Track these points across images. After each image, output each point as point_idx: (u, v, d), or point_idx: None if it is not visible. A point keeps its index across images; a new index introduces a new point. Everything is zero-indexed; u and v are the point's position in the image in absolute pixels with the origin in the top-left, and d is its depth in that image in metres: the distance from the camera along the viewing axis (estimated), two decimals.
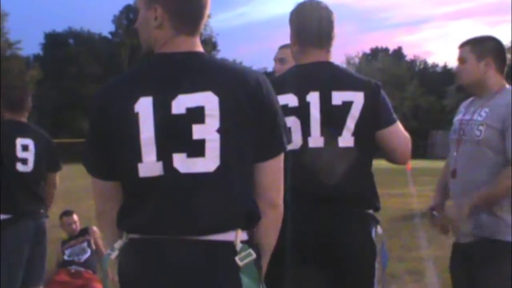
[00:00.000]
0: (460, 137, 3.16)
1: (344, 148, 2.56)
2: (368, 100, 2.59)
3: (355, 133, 2.55)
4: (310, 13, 2.69)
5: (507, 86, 3.13)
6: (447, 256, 3.34)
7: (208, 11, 1.96)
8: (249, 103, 1.84)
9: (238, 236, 1.84)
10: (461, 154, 3.15)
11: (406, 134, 2.74)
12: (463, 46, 3.18)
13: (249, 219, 1.89)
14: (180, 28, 1.90)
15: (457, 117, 3.26)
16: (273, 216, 1.96)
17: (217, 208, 1.83)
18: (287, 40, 3.26)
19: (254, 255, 1.85)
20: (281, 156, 1.93)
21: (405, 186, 16.28)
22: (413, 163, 21.59)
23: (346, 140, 2.55)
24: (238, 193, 1.85)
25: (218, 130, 1.80)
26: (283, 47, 3.53)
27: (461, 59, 3.17)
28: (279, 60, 3.70)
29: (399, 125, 2.70)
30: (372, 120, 2.61)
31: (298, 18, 2.72)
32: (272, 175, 1.93)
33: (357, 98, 2.58)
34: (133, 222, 1.89)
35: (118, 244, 1.95)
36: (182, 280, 1.81)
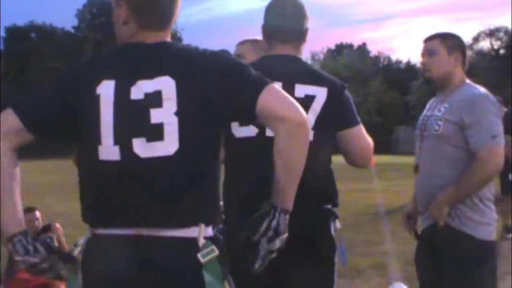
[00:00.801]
0: (422, 133, 3.20)
1: None
2: (331, 97, 2.58)
3: (315, 128, 2.53)
4: (276, 9, 2.71)
5: (467, 81, 3.18)
6: (411, 250, 3.38)
7: (177, 6, 1.97)
8: (209, 82, 1.84)
9: (201, 232, 1.83)
10: (423, 149, 3.19)
11: (368, 138, 2.75)
12: (431, 39, 3.20)
13: (212, 213, 1.88)
14: (144, 24, 1.93)
15: (422, 113, 3.30)
16: (282, 130, 1.83)
17: (179, 201, 1.82)
18: (251, 35, 3.26)
19: (217, 252, 1.84)
20: (266, 87, 1.85)
21: (370, 181, 16.37)
22: (377, 159, 21.71)
23: None
24: (199, 182, 1.85)
25: (176, 113, 1.81)
26: (240, 43, 3.52)
27: (431, 52, 3.19)
28: (237, 56, 3.69)
29: (362, 128, 2.70)
30: (334, 119, 2.60)
31: (266, 13, 2.73)
32: (271, 103, 1.84)
33: (320, 94, 2.57)
34: (95, 214, 1.89)
35: (82, 239, 1.93)
36: (145, 279, 1.79)
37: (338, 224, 2.72)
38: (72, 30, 57.86)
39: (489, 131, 2.92)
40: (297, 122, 1.81)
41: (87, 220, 1.93)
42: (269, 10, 2.73)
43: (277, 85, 1.89)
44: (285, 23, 2.68)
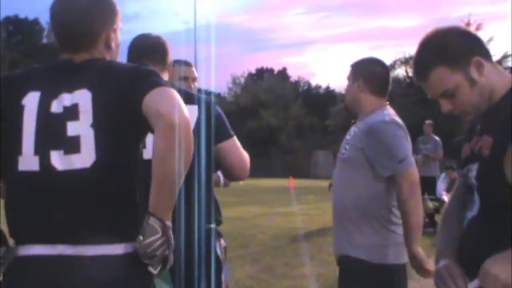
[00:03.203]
0: (338, 156, 3.27)
1: None
2: (202, 114, 2.65)
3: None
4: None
5: (383, 106, 3.21)
6: (329, 273, 3.44)
7: (92, 25, 2.00)
8: (118, 90, 1.85)
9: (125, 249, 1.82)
10: (335, 171, 3.28)
11: (244, 151, 2.80)
12: (351, 66, 3.30)
13: (131, 227, 1.83)
14: (63, 47, 2.02)
15: None
16: (157, 127, 1.76)
17: (97, 214, 1.82)
18: (174, 57, 3.27)
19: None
20: (159, 88, 1.82)
21: (289, 205, 16.58)
22: (296, 182, 22.14)
23: None
24: (117, 195, 1.84)
25: (92, 125, 1.82)
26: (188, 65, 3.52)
27: (347, 78, 3.30)
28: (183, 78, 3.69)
29: (236, 141, 2.77)
30: (209, 133, 2.65)
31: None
32: (155, 100, 1.79)
33: (192, 112, 2.58)
34: (17, 228, 1.88)
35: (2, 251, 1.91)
36: None
37: (223, 242, 2.77)
38: None
39: (395, 157, 2.98)
40: (170, 121, 1.71)
41: (12, 235, 1.90)
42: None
43: (174, 92, 1.83)
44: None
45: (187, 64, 3.51)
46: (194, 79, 3.51)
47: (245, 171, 2.81)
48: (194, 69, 3.54)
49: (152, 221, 1.75)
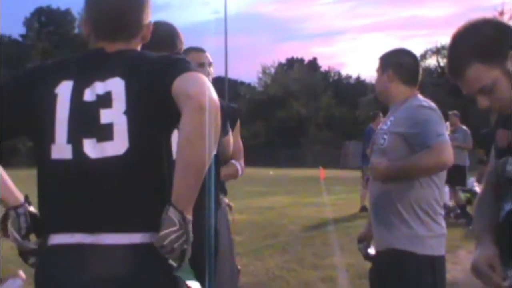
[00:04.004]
0: (372, 147, 3.25)
1: None
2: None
3: None
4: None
5: (414, 95, 3.23)
6: (359, 263, 3.42)
7: (135, 18, 2.02)
8: (150, 78, 1.85)
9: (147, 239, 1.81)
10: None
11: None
12: (379, 58, 3.32)
13: (155, 216, 1.79)
14: (98, 35, 2.01)
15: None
16: (186, 108, 1.72)
17: (128, 202, 1.83)
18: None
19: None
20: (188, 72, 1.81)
21: (319, 195, 16.56)
22: (326, 173, 22.05)
23: None
24: (149, 183, 1.85)
25: (125, 113, 1.83)
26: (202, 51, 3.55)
27: (376, 70, 3.32)
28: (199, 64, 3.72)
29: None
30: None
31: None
32: (185, 82, 1.78)
33: None
34: (49, 217, 1.90)
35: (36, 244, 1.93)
36: None
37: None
38: (20, 39, 56.82)
39: (434, 131, 2.99)
40: (199, 103, 1.67)
41: (44, 224, 1.92)
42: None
43: (204, 76, 1.81)
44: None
45: (199, 50, 3.54)
46: (210, 64, 3.54)
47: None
48: (207, 54, 3.56)
49: (172, 212, 1.71)
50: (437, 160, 2.97)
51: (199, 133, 1.67)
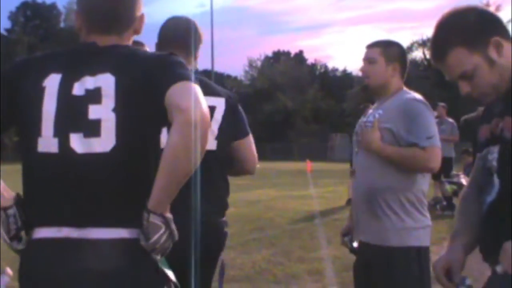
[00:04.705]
0: (358, 138, 3.22)
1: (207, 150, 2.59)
2: (229, 107, 2.77)
3: (218, 137, 2.70)
4: None
5: (404, 89, 3.22)
6: (346, 256, 3.42)
7: (128, 11, 2.00)
8: (142, 78, 1.84)
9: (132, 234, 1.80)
10: (358, 155, 3.22)
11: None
12: (372, 46, 3.22)
13: (138, 213, 1.79)
14: (90, 28, 1.99)
15: (360, 120, 3.34)
16: (176, 121, 1.72)
17: (112, 199, 1.82)
18: None
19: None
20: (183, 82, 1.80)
21: (306, 188, 16.60)
22: (313, 165, 22.12)
23: (210, 142, 2.51)
24: (134, 181, 1.84)
25: (113, 110, 1.81)
26: None
27: (371, 59, 3.21)
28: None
29: (251, 137, 2.93)
30: (232, 128, 2.79)
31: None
32: (178, 94, 1.77)
33: (219, 103, 2.73)
34: (34, 210, 1.88)
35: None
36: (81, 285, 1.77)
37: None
38: (5, 33, 56.38)
39: (424, 133, 2.98)
40: (189, 117, 1.68)
41: (29, 217, 1.90)
42: None
43: (197, 86, 1.81)
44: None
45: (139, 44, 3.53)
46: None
47: (255, 166, 2.97)
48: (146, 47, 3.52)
49: (153, 218, 1.73)
50: (426, 165, 3.01)
51: (186, 148, 1.69)
